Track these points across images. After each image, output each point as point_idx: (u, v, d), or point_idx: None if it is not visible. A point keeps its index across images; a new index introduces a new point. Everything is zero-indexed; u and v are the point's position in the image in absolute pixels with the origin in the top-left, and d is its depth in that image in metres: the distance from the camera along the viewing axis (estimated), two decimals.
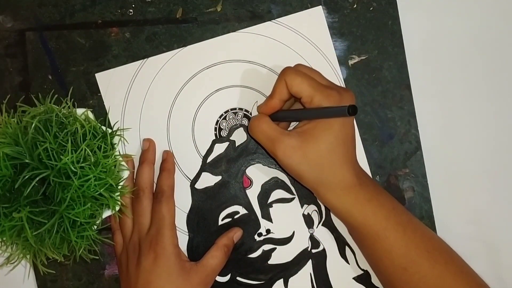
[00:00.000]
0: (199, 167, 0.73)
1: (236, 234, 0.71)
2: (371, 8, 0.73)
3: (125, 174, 0.68)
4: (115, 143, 0.67)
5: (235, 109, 0.73)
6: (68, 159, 0.58)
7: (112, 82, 0.73)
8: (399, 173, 0.73)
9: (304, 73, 0.64)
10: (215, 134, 0.73)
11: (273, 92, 0.66)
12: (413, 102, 0.73)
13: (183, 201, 0.73)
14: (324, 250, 0.73)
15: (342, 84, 0.73)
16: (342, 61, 0.73)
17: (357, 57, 0.73)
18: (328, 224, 0.73)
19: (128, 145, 0.73)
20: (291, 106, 0.70)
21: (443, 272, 0.62)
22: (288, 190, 0.73)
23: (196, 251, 0.73)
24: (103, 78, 0.73)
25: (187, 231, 0.73)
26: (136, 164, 0.72)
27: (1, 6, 0.72)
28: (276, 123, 0.67)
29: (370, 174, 0.73)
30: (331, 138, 0.62)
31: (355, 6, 0.73)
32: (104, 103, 0.73)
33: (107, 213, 0.66)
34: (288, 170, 0.65)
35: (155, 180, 0.71)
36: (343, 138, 0.63)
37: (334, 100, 0.62)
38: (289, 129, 0.71)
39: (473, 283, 0.63)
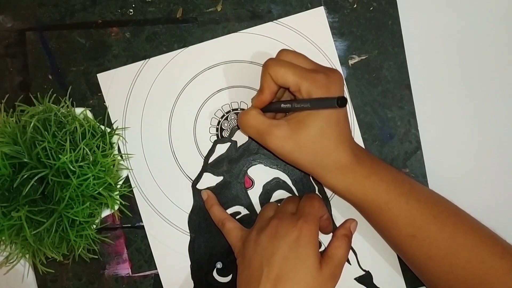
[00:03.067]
0: (201, 167, 0.73)
1: (352, 224, 0.69)
2: (371, 8, 0.73)
3: (124, 173, 0.68)
4: (114, 142, 0.67)
5: (236, 109, 0.73)
6: (66, 158, 0.58)
7: (113, 83, 0.73)
8: None
9: (287, 62, 0.63)
10: (217, 135, 0.73)
11: (261, 86, 0.65)
12: (413, 102, 0.72)
13: (184, 201, 0.73)
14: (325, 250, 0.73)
15: (344, 84, 0.73)
16: (342, 61, 0.73)
17: (357, 57, 0.73)
18: None
19: (129, 145, 0.73)
20: (284, 93, 0.69)
21: (453, 233, 0.62)
22: (289, 190, 0.73)
23: (198, 252, 0.73)
24: (104, 78, 0.73)
25: (188, 231, 0.73)
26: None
27: (1, 6, 0.73)
28: (271, 114, 0.68)
29: None
30: (321, 123, 0.62)
31: (355, 6, 0.73)
32: (106, 103, 0.73)
33: (106, 212, 0.66)
34: (283, 158, 0.65)
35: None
36: (335, 121, 0.62)
37: (321, 84, 0.61)
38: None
39: (485, 238, 0.63)
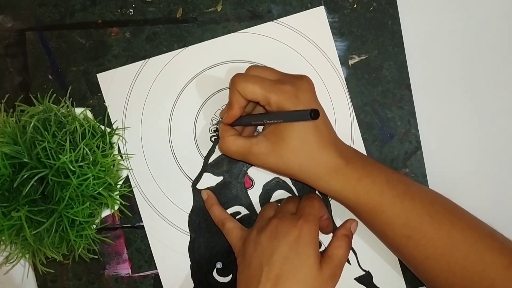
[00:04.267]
0: (201, 167, 0.73)
1: (352, 224, 0.69)
2: (371, 8, 0.73)
3: (124, 173, 0.68)
4: (114, 142, 0.67)
5: None
6: (66, 158, 0.58)
7: (113, 82, 0.73)
8: None
9: (254, 76, 0.64)
10: (217, 135, 0.73)
11: (230, 102, 0.66)
12: (413, 102, 0.72)
13: (184, 201, 0.73)
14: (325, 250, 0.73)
15: (343, 84, 0.73)
16: (342, 61, 0.73)
17: (357, 57, 0.73)
18: None
19: (129, 145, 0.73)
20: (253, 108, 0.70)
21: (450, 232, 0.62)
22: (289, 190, 0.73)
23: (198, 252, 0.73)
24: (104, 78, 0.73)
25: (188, 231, 0.73)
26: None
27: (1, 6, 0.73)
28: (240, 128, 0.69)
29: None
30: (299, 133, 0.62)
31: (355, 6, 0.73)
32: (106, 103, 0.73)
33: (106, 213, 0.66)
34: (272, 172, 0.66)
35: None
36: (314, 126, 0.62)
37: (289, 95, 0.61)
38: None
39: (483, 234, 0.63)
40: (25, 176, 0.59)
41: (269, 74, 0.65)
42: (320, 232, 0.68)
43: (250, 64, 0.70)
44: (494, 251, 0.62)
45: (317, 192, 0.73)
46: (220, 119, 0.73)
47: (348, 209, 0.68)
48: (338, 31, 0.73)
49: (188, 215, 0.73)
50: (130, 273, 0.73)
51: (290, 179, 0.73)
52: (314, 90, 0.66)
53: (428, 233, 0.62)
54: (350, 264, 0.73)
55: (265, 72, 0.65)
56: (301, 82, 0.64)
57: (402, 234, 0.63)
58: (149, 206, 0.73)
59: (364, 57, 0.73)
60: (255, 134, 0.71)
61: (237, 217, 0.73)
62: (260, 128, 0.72)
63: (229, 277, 0.73)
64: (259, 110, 0.69)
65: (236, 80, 0.63)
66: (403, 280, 0.72)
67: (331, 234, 0.70)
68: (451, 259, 0.62)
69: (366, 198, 0.63)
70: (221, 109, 0.73)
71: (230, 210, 0.73)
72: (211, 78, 0.73)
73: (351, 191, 0.63)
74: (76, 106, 0.72)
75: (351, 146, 0.72)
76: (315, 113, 0.56)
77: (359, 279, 0.73)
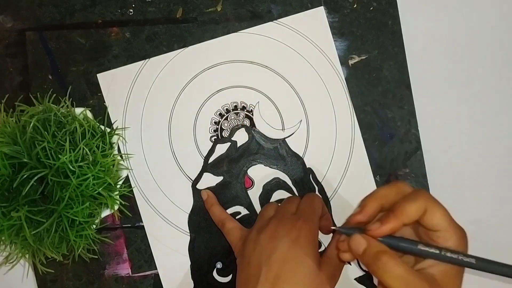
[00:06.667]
0: (201, 167, 0.73)
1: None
2: (371, 8, 0.73)
3: (124, 173, 0.68)
4: (114, 142, 0.67)
5: (236, 109, 0.73)
6: (66, 158, 0.58)
7: (113, 83, 0.73)
8: (399, 173, 0.73)
9: (441, 204, 0.55)
10: (217, 135, 0.73)
11: (398, 211, 0.54)
12: (413, 102, 0.72)
13: (184, 201, 0.73)
14: (325, 251, 0.73)
15: (343, 84, 0.73)
16: (342, 61, 0.73)
17: (357, 57, 0.73)
18: None
19: (129, 145, 0.73)
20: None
21: None
22: (289, 190, 0.73)
23: (198, 252, 0.73)
24: (104, 78, 0.73)
25: (188, 231, 0.73)
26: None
27: (1, 6, 0.73)
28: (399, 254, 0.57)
29: (371, 174, 0.72)
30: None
31: (355, 6, 0.73)
32: (106, 103, 0.73)
33: (106, 213, 0.66)
34: None
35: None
36: None
37: (463, 243, 0.55)
38: None
39: None
40: (25, 176, 0.59)
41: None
42: (320, 232, 0.68)
43: (250, 65, 0.70)
44: None
45: (317, 191, 0.73)
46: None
47: None
48: (338, 31, 0.73)
49: (188, 215, 0.73)
50: (130, 273, 0.73)
51: (290, 179, 0.73)
52: None
53: None
54: (350, 264, 0.73)
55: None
56: (463, 233, 0.56)
57: None
58: (149, 206, 0.73)
59: (364, 57, 0.73)
60: None
61: (237, 217, 0.73)
62: None
63: (229, 277, 0.73)
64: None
65: (429, 197, 0.55)
66: None
67: (331, 234, 0.70)
68: None
69: None
70: (221, 109, 0.73)
71: (230, 210, 0.73)
72: (211, 78, 0.73)
73: None
74: (76, 106, 0.72)
75: (351, 146, 0.72)
76: None
77: (359, 279, 0.73)
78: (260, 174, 0.73)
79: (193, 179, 0.73)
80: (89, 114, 0.67)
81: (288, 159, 0.73)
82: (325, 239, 0.71)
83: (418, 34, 0.74)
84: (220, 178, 0.73)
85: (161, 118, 0.73)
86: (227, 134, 0.73)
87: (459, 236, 0.54)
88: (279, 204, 0.69)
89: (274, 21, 0.73)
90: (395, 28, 0.73)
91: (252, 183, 0.73)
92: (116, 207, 0.66)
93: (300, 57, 0.73)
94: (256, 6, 0.73)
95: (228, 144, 0.73)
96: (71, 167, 0.59)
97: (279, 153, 0.73)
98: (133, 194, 0.72)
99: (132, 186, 0.72)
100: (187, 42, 0.73)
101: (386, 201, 0.57)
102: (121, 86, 0.73)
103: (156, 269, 0.73)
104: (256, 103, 0.73)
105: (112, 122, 0.72)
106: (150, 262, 0.73)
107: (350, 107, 0.73)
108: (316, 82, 0.72)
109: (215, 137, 0.73)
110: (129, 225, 0.73)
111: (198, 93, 0.73)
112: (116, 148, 0.67)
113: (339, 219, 0.72)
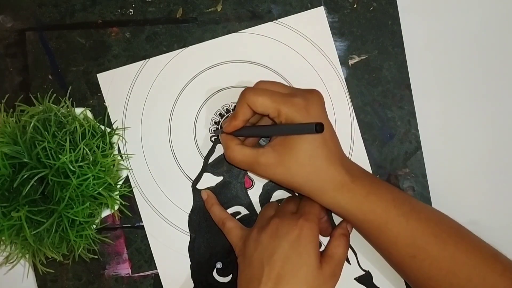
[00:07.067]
0: (201, 167, 0.73)
1: (349, 224, 0.69)
2: (371, 8, 0.73)
3: (124, 173, 0.68)
4: (114, 142, 0.67)
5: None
6: (66, 158, 0.58)
7: (113, 83, 0.73)
8: (399, 173, 0.73)
9: (264, 89, 0.64)
10: (217, 135, 0.73)
11: (236, 113, 0.65)
12: (413, 102, 0.72)
13: (184, 201, 0.73)
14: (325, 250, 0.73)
15: (343, 84, 0.73)
16: (342, 61, 0.73)
17: (357, 57, 0.73)
18: None
19: (129, 145, 0.73)
20: (259, 119, 0.70)
21: (454, 253, 0.61)
22: (289, 190, 0.73)
23: (198, 252, 0.73)
24: (104, 78, 0.73)
25: (188, 231, 0.73)
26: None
27: (1, 6, 0.73)
28: (242, 138, 0.69)
29: None
30: (308, 146, 0.61)
31: (355, 6, 0.73)
32: (106, 103, 0.73)
33: (106, 213, 0.66)
34: (277, 183, 0.66)
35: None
36: (321, 141, 0.62)
37: (299, 107, 0.61)
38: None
39: (486, 256, 0.62)
40: (25, 176, 0.58)
41: (278, 88, 0.65)
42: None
43: (250, 65, 0.70)
44: (497, 274, 0.61)
45: None
46: (218, 128, 0.73)
47: (353, 227, 0.68)
48: (338, 31, 0.73)
49: (188, 215, 0.73)
50: (130, 273, 0.73)
51: None
52: (324, 104, 0.65)
53: (432, 253, 0.62)
54: (350, 264, 0.73)
55: (274, 85, 0.65)
56: (312, 96, 0.64)
57: (406, 253, 0.63)
58: (149, 206, 0.73)
59: (364, 57, 0.73)
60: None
61: (237, 217, 0.73)
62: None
63: (229, 277, 0.73)
64: (266, 122, 0.68)
65: (246, 93, 0.63)
66: (403, 280, 0.72)
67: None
68: (454, 281, 0.61)
69: (371, 216, 0.63)
70: (221, 109, 0.73)
71: (230, 210, 0.73)
72: (211, 78, 0.73)
73: (357, 208, 0.63)
74: (76, 106, 0.72)
75: (351, 146, 0.72)
76: (320, 127, 0.56)
77: (359, 279, 0.73)
78: None
79: (193, 179, 0.73)
80: (89, 114, 0.66)
81: None
82: (325, 239, 0.71)
83: (418, 34, 0.74)
84: (220, 178, 0.73)
85: (161, 118, 0.73)
86: None
87: (287, 107, 0.61)
88: (280, 204, 0.69)
89: (274, 21, 0.73)
90: (395, 28, 0.73)
91: (252, 183, 0.73)
92: (116, 207, 0.66)
93: (300, 57, 0.73)
94: (256, 6, 0.73)
95: None
96: (71, 167, 0.59)
97: None
98: (133, 194, 0.72)
99: (132, 186, 0.72)
100: (187, 42, 0.73)
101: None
102: (121, 86, 0.73)
103: (156, 269, 0.73)
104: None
105: (112, 122, 0.72)
106: (150, 262, 0.73)
107: (350, 107, 0.73)
108: (316, 82, 0.72)
109: (215, 137, 0.73)
110: (129, 225, 0.73)
111: (198, 93, 0.73)
112: (116, 148, 0.67)
113: (339, 220, 0.72)
